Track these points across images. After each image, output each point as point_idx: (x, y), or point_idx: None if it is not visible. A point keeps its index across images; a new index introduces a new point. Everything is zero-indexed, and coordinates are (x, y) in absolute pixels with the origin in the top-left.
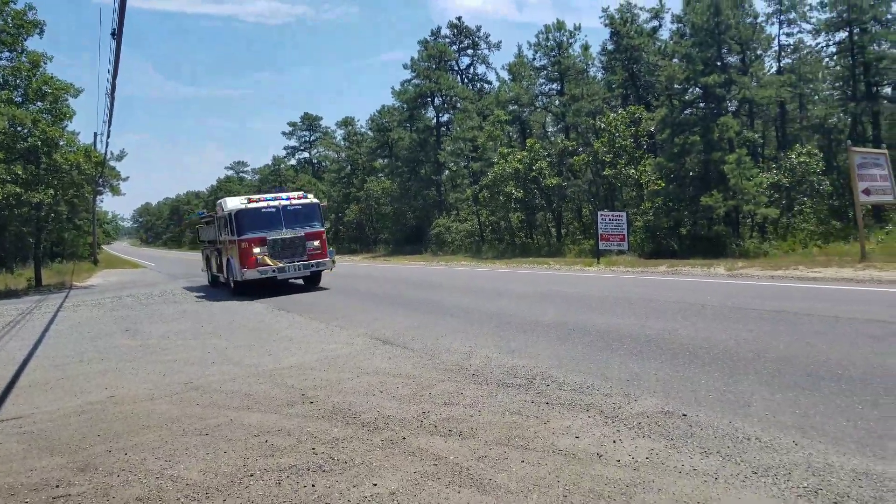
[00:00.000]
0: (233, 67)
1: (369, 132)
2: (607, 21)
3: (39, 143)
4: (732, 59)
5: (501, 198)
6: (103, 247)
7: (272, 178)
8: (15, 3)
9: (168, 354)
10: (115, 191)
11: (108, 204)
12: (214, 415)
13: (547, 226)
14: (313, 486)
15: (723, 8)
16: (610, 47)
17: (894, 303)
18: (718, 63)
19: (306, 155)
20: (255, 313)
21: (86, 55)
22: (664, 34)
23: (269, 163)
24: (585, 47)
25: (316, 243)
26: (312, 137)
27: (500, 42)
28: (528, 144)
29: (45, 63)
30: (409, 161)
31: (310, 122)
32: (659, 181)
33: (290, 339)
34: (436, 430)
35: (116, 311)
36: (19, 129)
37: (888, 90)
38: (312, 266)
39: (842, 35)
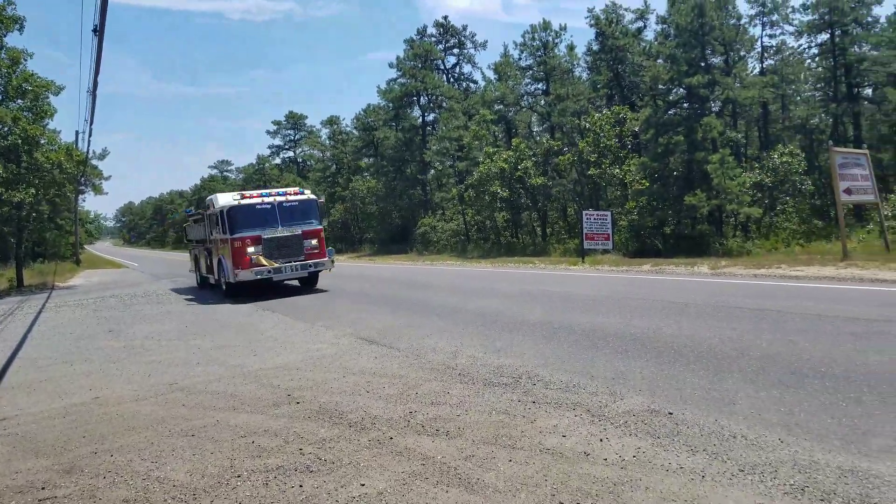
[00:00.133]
0: (219, 65)
1: (354, 131)
2: (593, 21)
3: (20, 141)
4: (716, 60)
5: (487, 197)
6: (86, 247)
7: (256, 178)
8: None
9: (153, 355)
10: (98, 190)
11: (90, 203)
12: (200, 416)
13: (532, 225)
14: (301, 486)
15: (707, 9)
16: (595, 47)
17: (875, 301)
18: (702, 64)
19: (291, 154)
20: (240, 313)
21: (69, 52)
22: (649, 35)
23: (254, 162)
24: (571, 47)
25: (314, 242)
26: (297, 136)
27: (486, 42)
28: (513, 144)
29: (26, 60)
30: (394, 160)
31: (295, 120)
32: (643, 181)
33: (275, 339)
34: (423, 430)
35: (100, 311)
36: None
37: (869, 91)
38: (310, 266)
39: (823, 37)
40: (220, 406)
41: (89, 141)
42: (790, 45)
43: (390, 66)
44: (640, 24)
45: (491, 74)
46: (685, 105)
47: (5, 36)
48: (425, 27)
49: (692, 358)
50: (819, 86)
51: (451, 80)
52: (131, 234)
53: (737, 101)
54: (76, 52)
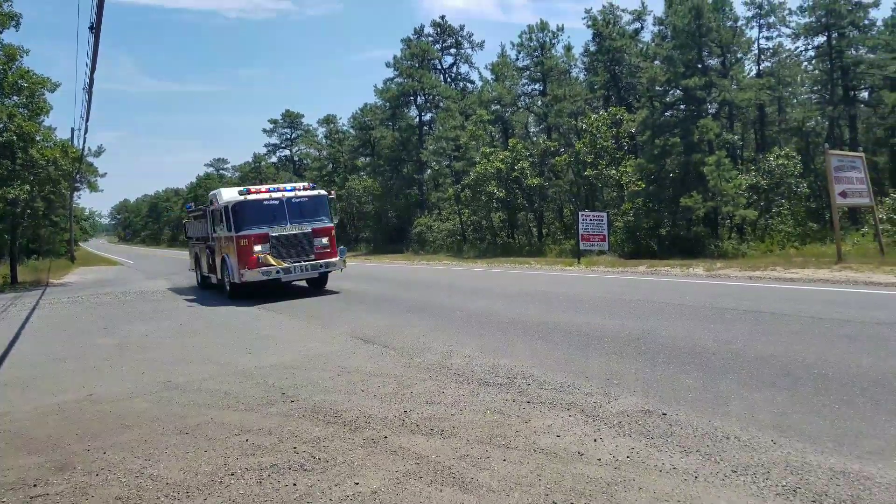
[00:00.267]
0: (214, 63)
1: (351, 130)
2: (590, 22)
3: (15, 137)
4: (713, 62)
5: (483, 197)
6: (80, 244)
7: (253, 176)
8: None
9: (147, 353)
10: (93, 187)
11: (85, 200)
12: (194, 414)
13: (528, 225)
14: (295, 484)
15: (704, 11)
16: (592, 48)
17: (869, 304)
18: (699, 65)
19: (287, 152)
20: (234, 312)
21: (66, 48)
22: (646, 36)
23: (250, 160)
24: (568, 48)
25: (324, 240)
26: (294, 135)
27: (484, 42)
28: (510, 144)
29: (22, 56)
30: (391, 160)
31: (291, 119)
32: (639, 182)
33: (270, 337)
34: (417, 429)
35: (94, 309)
36: None
37: (865, 94)
38: (321, 266)
39: (820, 39)
40: (214, 404)
41: (85, 138)
42: (787, 48)
43: (387, 65)
44: (638, 25)
45: (488, 75)
46: (682, 107)
47: (1, 33)
48: (422, 27)
49: (686, 359)
50: (815, 88)
51: (448, 79)
52: (126, 231)
53: (733, 103)
54: (72, 49)
